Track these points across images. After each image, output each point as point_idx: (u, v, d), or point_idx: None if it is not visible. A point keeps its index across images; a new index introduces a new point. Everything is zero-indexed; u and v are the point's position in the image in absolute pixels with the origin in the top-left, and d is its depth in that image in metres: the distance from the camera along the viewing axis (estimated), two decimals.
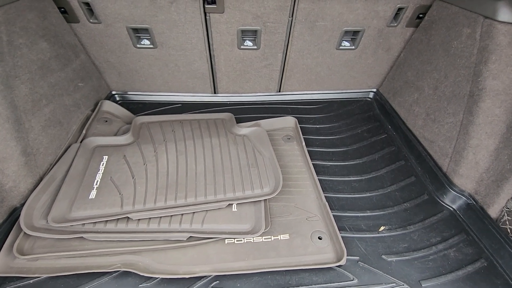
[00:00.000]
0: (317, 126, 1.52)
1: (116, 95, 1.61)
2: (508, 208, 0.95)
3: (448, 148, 1.14)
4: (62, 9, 1.18)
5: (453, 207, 1.10)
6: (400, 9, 1.28)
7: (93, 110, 1.38)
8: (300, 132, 1.39)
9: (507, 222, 0.95)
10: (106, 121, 1.38)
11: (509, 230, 0.94)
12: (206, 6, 1.20)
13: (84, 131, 1.25)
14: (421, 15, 1.32)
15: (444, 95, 1.16)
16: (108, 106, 1.44)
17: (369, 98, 1.72)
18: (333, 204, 1.11)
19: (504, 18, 0.91)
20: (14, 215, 0.93)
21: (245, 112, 1.58)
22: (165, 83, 1.58)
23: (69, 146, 1.17)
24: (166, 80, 1.56)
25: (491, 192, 0.99)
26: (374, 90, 1.71)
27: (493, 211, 0.99)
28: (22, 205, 0.94)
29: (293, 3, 1.22)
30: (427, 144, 1.25)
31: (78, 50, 1.30)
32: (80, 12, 1.20)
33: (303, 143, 1.32)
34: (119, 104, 1.59)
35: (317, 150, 1.36)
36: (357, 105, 1.68)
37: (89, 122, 1.31)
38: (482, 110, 0.99)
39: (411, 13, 1.30)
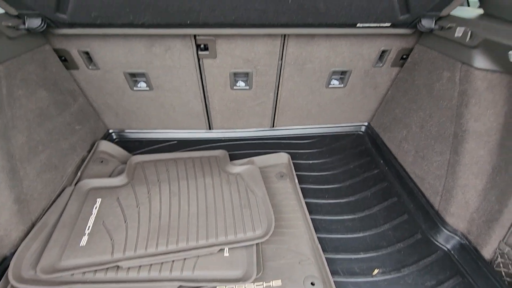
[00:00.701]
0: (310, 161, 1.54)
1: (113, 134, 1.65)
2: (501, 250, 0.94)
3: (438, 186, 1.15)
4: (63, 58, 1.25)
5: (447, 247, 1.09)
6: (384, 51, 1.35)
7: (89, 151, 1.41)
8: (293, 169, 1.41)
9: (501, 265, 0.94)
10: (102, 161, 1.40)
11: (503, 273, 0.93)
12: (199, 52, 1.26)
13: (79, 173, 1.27)
14: (404, 57, 1.38)
15: (431, 133, 1.19)
16: (105, 146, 1.47)
17: (361, 131, 1.75)
18: (326, 245, 1.10)
19: (479, 65, 0.96)
20: (3, 264, 0.92)
21: (240, 148, 1.61)
22: (161, 122, 1.62)
23: (63, 190, 1.18)
24: (162, 119, 1.60)
25: (483, 233, 0.99)
26: (366, 123, 1.75)
27: (487, 252, 0.98)
28: (13, 253, 0.93)
29: (282, 49, 1.29)
30: (418, 181, 1.27)
31: (77, 94, 1.35)
32: (79, 60, 1.26)
33: (296, 180, 1.34)
34: (116, 142, 1.62)
35: (310, 187, 1.37)
36: (349, 139, 1.71)
37: (84, 163, 1.33)
38: (466, 151, 1.02)
39: (395, 55, 1.37)
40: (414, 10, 1.04)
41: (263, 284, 0.95)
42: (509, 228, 0.92)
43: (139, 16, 1.00)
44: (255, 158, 1.47)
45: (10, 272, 0.87)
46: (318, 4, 0.98)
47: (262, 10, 1.00)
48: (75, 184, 1.22)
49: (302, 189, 1.30)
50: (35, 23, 0.98)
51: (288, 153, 1.50)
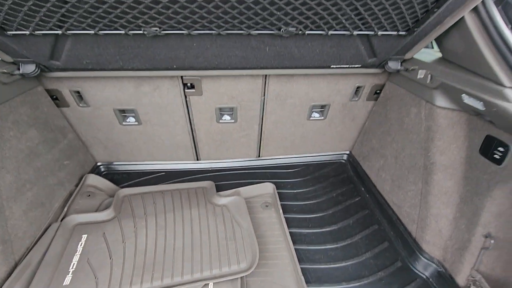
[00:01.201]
0: (295, 191, 1.59)
1: (101, 166, 1.67)
2: (473, 277, 0.99)
3: (414, 214, 1.21)
4: (54, 97, 1.30)
5: (426, 274, 1.13)
6: (358, 87, 1.46)
7: (77, 185, 1.43)
8: (278, 199, 1.45)
9: None
10: (89, 195, 1.42)
11: None
12: (186, 90, 1.34)
13: (65, 209, 1.28)
14: (378, 91, 1.49)
15: (404, 164, 1.27)
16: (92, 179, 1.49)
17: (343, 160, 1.83)
18: (310, 276, 1.13)
19: (440, 104, 1.06)
20: None
21: (227, 178, 1.66)
22: (149, 154, 1.66)
23: (49, 226, 1.19)
24: (151, 151, 1.64)
25: (456, 260, 1.04)
26: (348, 152, 1.83)
27: (461, 280, 1.03)
28: None
29: (264, 86, 1.38)
30: (396, 208, 1.33)
31: (67, 131, 1.39)
32: (70, 98, 1.32)
33: (281, 210, 1.38)
34: (104, 175, 1.65)
35: (294, 216, 1.41)
36: (332, 167, 1.78)
37: (71, 198, 1.34)
38: (436, 182, 1.09)
39: (369, 90, 1.47)
40: (379, 55, 1.15)
41: None
42: (478, 256, 0.98)
43: (128, 63, 1.08)
44: (241, 189, 1.51)
45: None
46: (293, 51, 1.08)
47: (243, 56, 1.09)
48: (61, 220, 1.22)
49: (286, 218, 1.34)
50: (29, 68, 1.04)
51: (274, 182, 1.54)
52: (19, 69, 1.04)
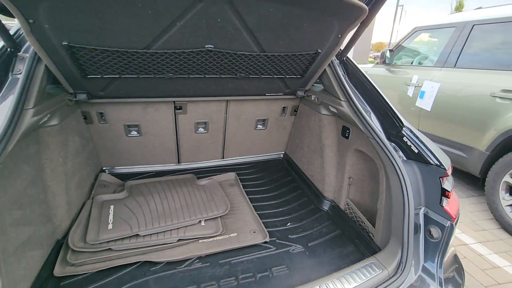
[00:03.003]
0: (249, 176, 2.36)
1: (106, 170, 2.23)
2: (347, 202, 1.85)
3: (319, 177, 2.07)
4: (84, 116, 1.90)
5: (326, 209, 1.96)
6: (284, 107, 2.36)
7: (95, 179, 1.99)
8: (239, 181, 2.20)
9: (347, 210, 1.83)
10: (105, 185, 1.99)
11: (348, 215, 1.81)
12: (176, 111, 2.07)
13: (93, 192, 1.84)
14: (296, 110, 2.41)
15: (311, 149, 2.15)
16: (104, 176, 2.06)
17: (280, 157, 2.69)
18: (261, 216, 1.86)
19: (323, 112, 1.98)
20: (58, 243, 1.44)
21: (201, 173, 2.35)
22: (143, 158, 2.28)
23: (85, 202, 1.74)
24: (145, 157, 2.27)
25: (338, 195, 1.90)
26: (283, 152, 2.69)
27: (342, 205, 1.87)
28: (63, 238, 1.47)
29: (226, 107, 2.18)
30: (310, 177, 2.18)
31: (89, 141, 1.97)
32: (95, 117, 1.93)
33: (241, 187, 2.12)
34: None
35: (250, 190, 2.16)
36: (273, 162, 2.61)
37: (94, 187, 1.91)
38: (325, 155, 1.98)
39: (290, 109, 2.38)
40: (291, 87, 2.07)
41: (226, 236, 1.64)
42: (348, 191, 1.84)
43: (147, 93, 1.79)
44: (213, 177, 2.23)
45: (70, 243, 1.41)
46: (243, 86, 1.92)
47: (214, 89, 1.89)
48: (92, 199, 1.79)
49: (245, 192, 2.09)
50: (82, 96, 1.68)
51: (235, 173, 2.30)
52: (75, 97, 1.67)
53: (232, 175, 2.29)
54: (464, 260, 2.36)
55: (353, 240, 1.66)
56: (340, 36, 1.53)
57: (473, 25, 3.41)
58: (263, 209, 1.95)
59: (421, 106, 3.70)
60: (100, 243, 1.46)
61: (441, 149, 3.70)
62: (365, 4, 1.37)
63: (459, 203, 1.39)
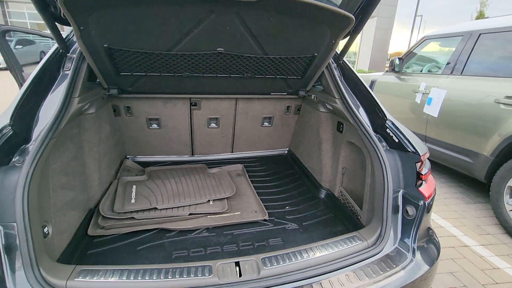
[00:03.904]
0: (255, 168, 2.60)
1: (129, 157, 2.54)
2: (340, 190, 2.05)
3: (317, 169, 2.28)
4: (114, 110, 2.22)
5: (322, 197, 2.16)
6: (288, 106, 2.60)
7: (120, 165, 2.29)
8: (246, 172, 2.44)
9: (341, 197, 2.03)
10: (128, 170, 2.29)
11: (342, 201, 2.01)
12: (191, 107, 2.36)
13: (118, 174, 2.14)
14: (299, 109, 2.65)
15: (311, 144, 2.37)
16: (128, 162, 2.37)
17: (285, 153, 2.91)
18: (263, 200, 2.09)
19: (321, 110, 2.21)
20: (90, 212, 1.73)
21: (212, 165, 2.61)
22: (161, 149, 2.57)
23: (112, 181, 2.04)
24: (163, 147, 2.56)
25: (334, 184, 2.10)
26: (287, 148, 2.92)
27: (336, 193, 2.07)
28: (95, 207, 1.76)
29: (235, 105, 2.45)
30: (310, 169, 2.39)
31: (117, 131, 2.29)
32: (122, 111, 2.25)
33: (247, 177, 2.36)
34: None
35: (255, 179, 2.40)
36: (278, 158, 2.84)
37: (119, 170, 2.21)
38: (323, 148, 2.19)
39: (294, 108, 2.62)
40: (293, 88, 2.31)
41: (230, 213, 1.88)
42: (341, 180, 2.04)
43: (166, 90, 2.09)
44: (223, 167, 2.48)
45: (101, 211, 1.69)
46: (250, 85, 2.18)
47: (225, 87, 2.16)
48: (118, 179, 2.08)
49: (250, 181, 2.32)
50: (114, 91, 1.99)
51: (242, 165, 2.55)
52: (109, 91, 1.99)
53: (239, 166, 2.54)
54: (464, 260, 2.42)
55: (343, 222, 1.86)
56: (334, 41, 1.77)
57: (480, 34, 3.53)
58: (265, 195, 2.18)
59: (428, 113, 3.82)
60: (125, 212, 1.74)
61: (448, 154, 3.74)
62: (353, 14, 1.61)
63: (435, 184, 1.57)
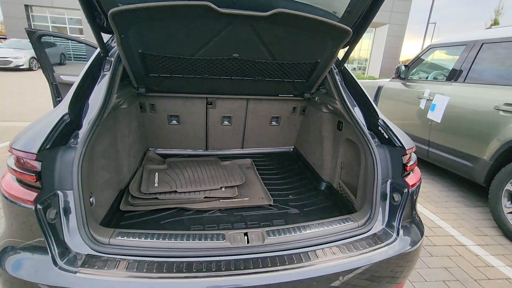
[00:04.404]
0: (264, 163, 2.86)
1: (151, 150, 2.84)
2: (339, 183, 2.28)
3: (319, 164, 2.52)
4: (140, 106, 2.53)
5: (322, 188, 2.40)
6: (294, 107, 2.85)
7: (144, 155, 2.60)
8: (254, 165, 2.70)
9: (339, 189, 2.26)
10: (151, 160, 2.58)
11: (340, 193, 2.24)
12: (208, 106, 2.64)
13: (143, 162, 2.45)
14: (304, 110, 2.90)
15: (314, 141, 2.61)
16: (151, 154, 2.67)
17: (290, 150, 3.16)
18: (269, 190, 2.34)
19: (324, 110, 2.45)
20: (121, 192, 2.03)
21: (224, 159, 2.89)
22: (179, 143, 2.87)
23: (137, 169, 2.34)
24: (180, 142, 2.85)
25: (333, 177, 2.33)
26: (293, 146, 3.17)
27: (335, 185, 2.31)
28: (125, 188, 2.05)
29: (246, 105, 2.73)
30: (313, 164, 2.63)
31: (142, 125, 2.60)
32: (147, 108, 2.55)
33: (255, 170, 2.62)
34: None
35: (263, 172, 2.66)
36: (284, 155, 3.09)
37: (143, 160, 2.51)
38: (324, 145, 2.43)
39: (300, 109, 2.88)
40: (299, 90, 2.57)
41: (240, 199, 2.14)
42: (340, 173, 2.28)
43: (187, 90, 2.39)
44: (234, 160, 2.75)
45: (131, 191, 1.99)
46: (260, 87, 2.45)
47: (238, 88, 2.44)
48: (143, 168, 2.38)
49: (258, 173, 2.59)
50: (142, 90, 2.30)
51: (251, 159, 2.81)
52: (138, 90, 2.30)
53: (248, 161, 2.80)
54: (460, 258, 2.55)
55: (340, 209, 2.09)
56: (334, 50, 2.02)
57: (482, 43, 3.70)
58: (271, 186, 2.43)
59: (432, 118, 3.98)
60: (150, 193, 2.02)
61: (450, 159, 3.89)
62: (352, 26, 1.86)
63: (420, 174, 1.79)
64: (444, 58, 5.28)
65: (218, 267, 1.21)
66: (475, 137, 3.39)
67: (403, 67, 4.96)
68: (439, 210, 3.43)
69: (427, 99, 4.17)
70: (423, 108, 4.23)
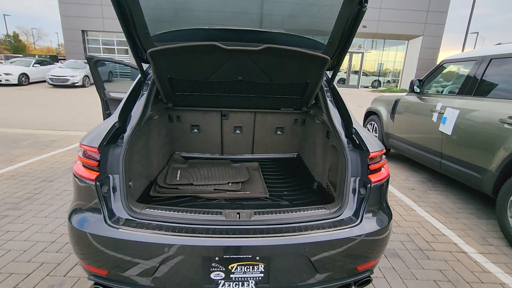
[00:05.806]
0: (270, 168, 3.35)
1: (176, 153, 3.47)
2: (327, 183, 2.69)
3: (314, 167, 2.94)
4: (169, 118, 3.18)
5: (314, 187, 2.82)
6: (295, 119, 3.33)
7: (170, 157, 3.23)
8: (259, 167, 3.20)
9: (327, 188, 2.67)
10: (175, 161, 3.21)
11: (326, 190, 2.65)
12: (222, 117, 3.23)
13: (169, 162, 3.07)
14: (305, 121, 3.36)
15: (311, 148, 3.05)
16: (176, 156, 3.30)
17: (294, 157, 3.62)
18: (269, 189, 2.81)
19: (317, 122, 2.90)
20: (151, 183, 2.64)
21: (235, 162, 3.42)
22: (199, 148, 3.46)
23: (164, 167, 2.96)
24: (200, 147, 3.45)
25: (323, 178, 2.75)
26: (296, 153, 3.62)
27: (324, 184, 2.72)
28: (154, 179, 2.66)
29: (254, 116, 3.26)
30: (310, 168, 3.06)
31: (169, 133, 3.24)
32: (174, 119, 3.20)
33: (260, 171, 3.12)
34: None
35: (269, 176, 3.14)
36: (288, 160, 3.55)
37: (169, 161, 3.14)
38: (316, 151, 2.86)
39: (300, 121, 3.34)
40: (297, 105, 3.05)
41: (243, 192, 2.64)
42: (328, 174, 2.69)
43: (206, 104, 2.99)
44: (242, 163, 3.28)
45: (159, 182, 2.59)
46: (265, 102, 2.98)
47: (245, 104, 3.00)
48: (168, 166, 3.00)
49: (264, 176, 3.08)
50: (170, 105, 2.95)
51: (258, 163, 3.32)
52: (167, 104, 2.95)
53: (255, 164, 3.31)
54: (457, 263, 2.67)
55: (324, 203, 2.50)
56: (320, 72, 2.50)
57: (491, 59, 3.91)
58: (272, 185, 2.90)
59: (443, 131, 4.18)
60: (173, 184, 2.61)
61: (460, 170, 4.16)
62: (333, 54, 2.33)
63: (388, 172, 2.14)
64: (457, 73, 5.42)
65: (214, 232, 1.71)
66: (482, 149, 3.55)
67: (417, 82, 5.17)
68: (448, 220, 3.50)
69: (439, 112, 4.35)
70: (435, 121, 4.41)
